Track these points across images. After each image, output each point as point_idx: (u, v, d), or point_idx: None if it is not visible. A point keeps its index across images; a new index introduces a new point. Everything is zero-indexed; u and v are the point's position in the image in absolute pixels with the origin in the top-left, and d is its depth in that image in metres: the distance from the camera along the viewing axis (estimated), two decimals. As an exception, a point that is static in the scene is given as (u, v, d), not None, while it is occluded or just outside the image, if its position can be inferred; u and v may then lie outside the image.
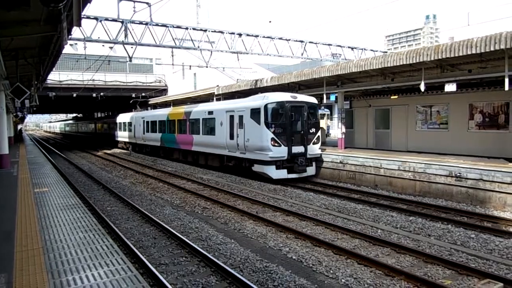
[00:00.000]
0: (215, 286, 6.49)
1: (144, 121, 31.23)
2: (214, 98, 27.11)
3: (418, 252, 7.82)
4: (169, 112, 26.70)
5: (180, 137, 24.29)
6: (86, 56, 26.10)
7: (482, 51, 11.82)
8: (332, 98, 19.11)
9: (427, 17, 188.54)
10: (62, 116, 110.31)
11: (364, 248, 8.34)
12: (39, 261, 5.34)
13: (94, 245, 6.02)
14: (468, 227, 9.64)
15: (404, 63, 14.16)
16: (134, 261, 7.36)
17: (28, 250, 5.79)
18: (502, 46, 11.25)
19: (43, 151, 31.04)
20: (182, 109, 24.72)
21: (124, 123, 37.28)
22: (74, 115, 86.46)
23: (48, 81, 32.01)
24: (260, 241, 8.91)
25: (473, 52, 12.02)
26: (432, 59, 13.31)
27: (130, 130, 34.97)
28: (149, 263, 7.11)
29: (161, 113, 28.16)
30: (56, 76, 34.62)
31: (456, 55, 12.53)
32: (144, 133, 31.28)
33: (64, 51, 14.40)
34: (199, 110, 22.05)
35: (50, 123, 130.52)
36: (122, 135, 37.92)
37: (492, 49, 11.53)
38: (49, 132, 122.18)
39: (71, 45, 34.71)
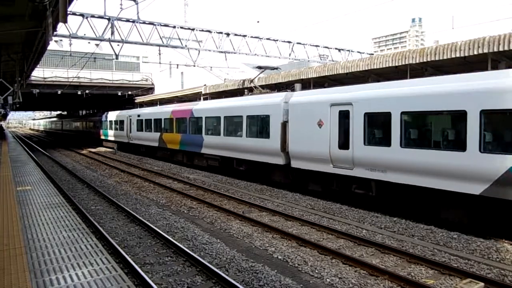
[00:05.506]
0: (201, 286, 6.48)
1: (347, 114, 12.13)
2: (201, 98, 27.02)
3: (402, 252, 7.93)
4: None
5: None
6: (72, 53, 25.74)
7: (466, 54, 12.04)
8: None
9: (413, 20, 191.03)
10: (46, 113, 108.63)
11: (349, 248, 8.42)
12: (21, 261, 5.25)
13: (78, 245, 5.95)
14: (451, 227, 9.79)
15: (390, 65, 14.33)
16: (118, 260, 7.30)
17: (10, 249, 5.69)
18: (485, 50, 11.48)
19: (26, 149, 30.48)
20: None
21: (198, 119, 20.18)
22: (58, 112, 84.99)
23: (32, 78, 31.41)
24: (246, 241, 8.92)
25: (457, 55, 12.23)
26: (417, 61, 13.50)
27: (263, 133, 15.56)
28: (134, 262, 7.05)
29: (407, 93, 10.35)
30: (40, 73, 34.01)
31: (441, 58, 12.74)
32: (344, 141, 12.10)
33: (48, 48, 14.20)
34: None
35: (34, 120, 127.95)
36: (208, 143, 19.25)
37: (475, 53, 11.76)
38: (34, 130, 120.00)
39: (56, 41, 34.12)
